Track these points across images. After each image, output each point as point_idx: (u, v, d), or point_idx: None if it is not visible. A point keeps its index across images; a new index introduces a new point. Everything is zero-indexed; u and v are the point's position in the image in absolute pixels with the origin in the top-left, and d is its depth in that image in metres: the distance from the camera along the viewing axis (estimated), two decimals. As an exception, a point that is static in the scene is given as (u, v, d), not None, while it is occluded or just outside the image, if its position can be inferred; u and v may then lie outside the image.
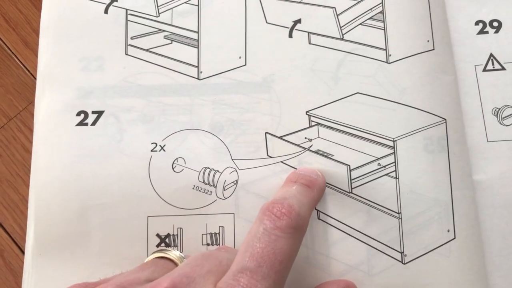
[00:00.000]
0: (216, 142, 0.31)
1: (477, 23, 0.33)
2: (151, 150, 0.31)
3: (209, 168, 0.30)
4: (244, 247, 0.24)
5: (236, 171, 0.30)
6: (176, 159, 0.31)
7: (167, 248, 0.28)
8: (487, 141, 0.31)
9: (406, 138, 0.31)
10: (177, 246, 0.29)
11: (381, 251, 0.29)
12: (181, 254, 0.26)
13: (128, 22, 0.33)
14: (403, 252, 0.29)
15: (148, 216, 0.30)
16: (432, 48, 0.32)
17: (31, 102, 0.34)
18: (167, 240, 0.29)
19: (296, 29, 0.32)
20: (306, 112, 0.31)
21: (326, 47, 0.32)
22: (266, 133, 0.31)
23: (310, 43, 0.32)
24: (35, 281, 0.29)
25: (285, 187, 0.28)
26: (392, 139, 0.30)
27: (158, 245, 0.29)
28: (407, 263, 0.29)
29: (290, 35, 0.32)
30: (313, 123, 0.31)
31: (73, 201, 0.30)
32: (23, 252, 0.30)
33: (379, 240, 0.29)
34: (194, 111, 0.31)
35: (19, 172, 0.32)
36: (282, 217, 0.24)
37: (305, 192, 0.27)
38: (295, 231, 0.24)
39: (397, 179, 0.30)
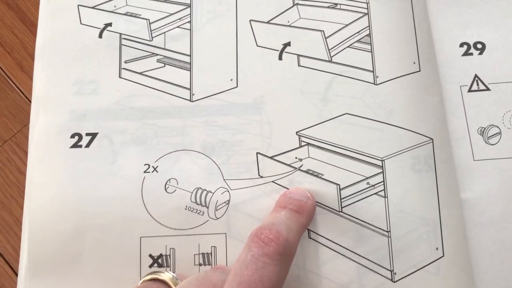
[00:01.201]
0: (208, 163, 0.31)
1: (461, 45, 0.34)
2: (144, 172, 0.31)
3: (201, 188, 0.31)
4: (232, 275, 0.24)
5: (228, 191, 0.31)
6: (169, 180, 0.31)
7: (160, 270, 0.28)
8: (474, 160, 0.32)
9: (394, 157, 0.31)
10: (170, 266, 0.29)
11: (371, 270, 0.29)
12: (174, 275, 0.26)
13: (122, 46, 0.33)
14: (392, 270, 0.29)
15: (141, 237, 0.30)
16: (418, 70, 0.33)
17: (25, 124, 0.34)
18: (159, 260, 0.29)
19: (285, 52, 0.33)
20: (296, 132, 0.31)
21: (315, 69, 0.33)
22: (257, 153, 0.31)
23: (299, 65, 0.33)
24: None
25: (274, 213, 0.28)
26: (380, 159, 0.31)
27: (151, 266, 0.29)
28: (397, 281, 0.29)
29: (280, 58, 0.33)
30: (303, 143, 0.31)
31: (67, 222, 0.30)
32: (16, 274, 0.30)
33: (369, 258, 0.29)
34: (187, 133, 0.32)
35: (13, 194, 0.32)
36: (270, 243, 0.24)
37: (294, 217, 0.27)
38: (283, 258, 0.24)
39: (386, 198, 0.30)
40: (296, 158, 0.31)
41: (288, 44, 0.33)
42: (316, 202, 0.30)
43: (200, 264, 0.29)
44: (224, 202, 0.30)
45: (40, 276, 0.29)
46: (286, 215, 0.27)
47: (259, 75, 0.32)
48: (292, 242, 0.25)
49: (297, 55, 0.33)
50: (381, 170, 0.30)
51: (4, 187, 0.32)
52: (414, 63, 0.33)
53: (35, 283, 0.29)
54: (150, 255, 0.29)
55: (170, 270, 0.28)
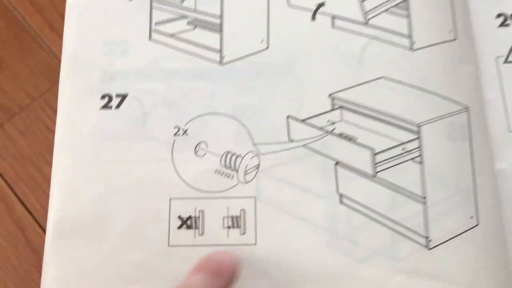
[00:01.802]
0: (238, 126, 0.31)
1: (498, 16, 0.32)
2: (174, 135, 0.30)
3: (230, 152, 0.30)
4: None
5: (258, 155, 0.30)
6: (199, 143, 0.30)
7: None
8: (509, 131, 0.30)
9: (430, 124, 0.30)
10: (199, 228, 0.29)
11: (405, 236, 0.28)
12: None
13: (153, 8, 0.33)
14: (428, 237, 0.28)
15: (170, 199, 0.29)
16: (454, 39, 0.31)
17: (54, 83, 0.34)
18: (188, 222, 0.29)
19: (319, 12, 0.32)
20: (329, 95, 0.30)
21: (350, 32, 0.32)
22: (288, 116, 0.30)
23: (333, 27, 0.32)
24: (55, 261, 0.28)
25: (189, 276, 0.26)
26: (417, 125, 0.30)
27: (179, 227, 0.29)
28: (432, 248, 0.28)
29: (313, 18, 0.32)
30: (336, 106, 0.30)
31: (96, 183, 0.30)
32: (44, 231, 0.30)
33: (403, 224, 0.28)
34: (216, 95, 0.31)
35: (41, 151, 0.32)
36: None
37: (209, 282, 0.25)
38: None
39: (422, 164, 0.29)
40: (328, 121, 0.30)
41: (322, 4, 0.31)
42: (349, 166, 0.29)
43: (228, 227, 0.29)
44: (254, 167, 0.30)
45: (68, 235, 0.29)
46: (201, 280, 0.25)
47: (291, 36, 0.31)
48: None
49: (332, 16, 0.32)
50: (417, 136, 0.29)
51: (32, 144, 0.32)
52: (450, 31, 0.32)
53: (63, 241, 0.29)
54: (179, 217, 0.29)
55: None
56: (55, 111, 0.33)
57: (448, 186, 0.29)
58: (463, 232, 0.28)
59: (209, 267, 0.26)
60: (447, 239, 0.28)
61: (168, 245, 0.28)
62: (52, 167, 0.30)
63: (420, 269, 0.28)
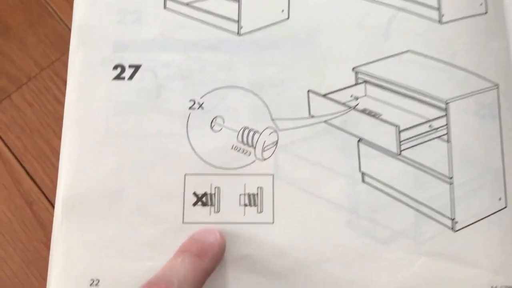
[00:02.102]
0: (256, 101, 0.29)
1: (530, -11, 0.31)
2: (189, 108, 0.29)
3: (248, 128, 0.29)
4: None
5: (276, 131, 0.29)
6: (215, 117, 0.29)
7: None
8: (538, 111, 0.29)
9: (458, 101, 0.28)
10: (214, 205, 0.28)
11: (430, 217, 0.27)
12: None
13: (167, -25, 0.31)
14: (454, 219, 0.27)
15: (185, 174, 0.28)
16: (485, 12, 0.30)
17: (64, 53, 0.33)
18: (204, 199, 0.28)
19: (344, -19, 0.30)
20: (353, 68, 0.29)
21: (376, 2, 0.30)
22: (308, 91, 0.29)
23: (358, -3, 0.30)
24: (64, 237, 0.28)
25: (171, 260, 0.25)
26: (444, 101, 0.28)
27: (194, 204, 0.28)
28: (457, 230, 0.27)
29: (338, -13, 0.30)
30: (360, 81, 0.29)
31: (108, 156, 0.29)
32: (53, 206, 0.29)
33: (428, 205, 0.27)
34: (234, 68, 0.30)
35: (50, 123, 0.31)
36: None
37: (192, 265, 0.24)
38: None
39: (449, 143, 0.28)
40: (351, 96, 0.29)
41: (348, -28, 0.30)
42: (373, 143, 0.28)
43: (245, 205, 0.28)
44: (272, 143, 0.29)
45: (78, 211, 0.28)
46: (184, 263, 0.24)
47: (313, 6, 0.30)
48: None
49: (357, -16, 0.30)
50: (445, 113, 0.28)
51: (40, 115, 0.31)
52: (481, 4, 0.30)
53: (73, 217, 0.28)
54: (194, 193, 0.28)
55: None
56: (64, 81, 0.32)
57: (476, 166, 0.28)
58: (490, 215, 0.27)
59: (192, 248, 0.25)
60: (474, 221, 0.27)
61: (183, 222, 0.27)
62: (62, 140, 0.29)
63: (445, 252, 0.27)
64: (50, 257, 0.28)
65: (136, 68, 0.30)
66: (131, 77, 0.29)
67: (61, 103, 0.31)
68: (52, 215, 0.29)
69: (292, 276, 0.27)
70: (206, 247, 0.26)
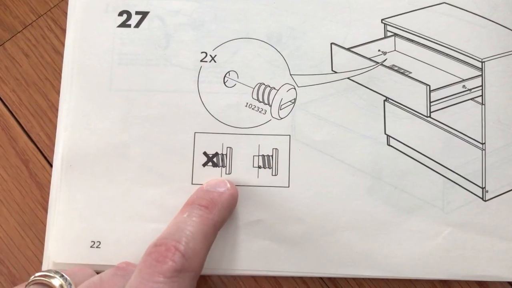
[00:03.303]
0: (273, 54, 0.28)
1: None
2: (201, 60, 0.28)
3: (264, 84, 0.28)
4: None
5: (295, 88, 0.27)
6: (228, 72, 0.28)
7: (51, 273, 0.22)
8: None
9: (495, 60, 0.27)
10: (226, 166, 0.27)
11: (459, 185, 0.26)
12: (66, 281, 0.22)
13: None
14: (484, 187, 0.26)
15: (195, 132, 0.27)
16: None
17: (64, -3, 0.31)
18: (215, 159, 0.27)
19: None
20: (382, 20, 0.27)
21: None
22: (331, 43, 0.27)
23: None
24: (63, 196, 0.27)
25: (177, 216, 0.24)
26: (480, 60, 0.27)
27: (205, 164, 0.27)
28: (488, 200, 0.26)
29: None
30: (389, 34, 0.27)
31: (112, 110, 0.27)
32: (50, 165, 0.28)
33: (458, 172, 0.26)
34: (250, 18, 0.28)
35: (48, 76, 0.30)
36: (164, 261, 0.21)
37: (200, 218, 0.23)
38: (180, 275, 0.21)
39: (484, 105, 0.27)
40: (379, 51, 0.27)
41: None
42: (401, 103, 0.26)
43: (259, 167, 0.27)
44: (290, 101, 0.27)
45: (78, 167, 0.27)
46: (190, 218, 0.23)
47: (341, -50, 0.28)
48: (192, 254, 0.22)
49: None
50: (480, 73, 0.26)
51: (38, 67, 0.29)
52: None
53: (72, 174, 0.27)
54: (205, 153, 0.27)
55: (63, 276, 0.22)
56: (64, 30, 0.30)
57: (511, 132, 0.26)
58: (524, 184, 0.26)
59: (200, 200, 0.24)
60: (506, 190, 0.26)
61: (192, 183, 0.26)
62: (60, 94, 0.28)
63: (474, 222, 0.26)
64: (48, 218, 0.27)
65: (144, 15, 0.28)
66: (137, 25, 0.28)
67: (60, 54, 0.29)
68: (49, 174, 0.28)
69: (307, 243, 0.26)
70: (215, 198, 0.25)
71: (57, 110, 0.29)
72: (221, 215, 0.24)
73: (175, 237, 0.22)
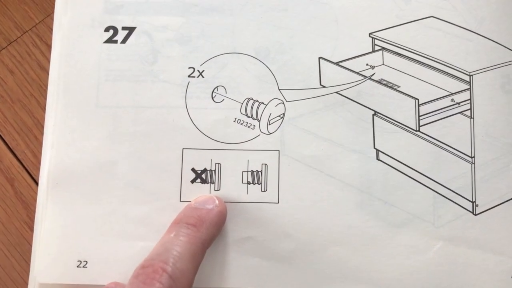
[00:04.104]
0: (261, 69, 0.28)
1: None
2: (188, 76, 0.28)
3: (252, 99, 0.28)
4: None
5: (283, 103, 0.28)
6: (216, 87, 0.28)
7: None
8: None
9: (483, 73, 0.27)
10: (215, 183, 0.27)
11: (449, 200, 0.26)
12: None
13: None
14: (474, 201, 0.26)
15: (183, 148, 0.27)
16: (513, -24, 0.28)
17: (49, 14, 0.31)
18: (203, 175, 0.27)
19: None
20: (369, 34, 0.28)
21: (396, -38, 0.28)
22: (320, 58, 0.28)
23: (377, -44, 0.29)
24: (49, 215, 0.27)
25: (164, 235, 0.24)
26: (468, 73, 0.27)
27: (193, 181, 0.27)
28: (478, 214, 0.26)
29: None
30: (377, 48, 0.28)
31: (99, 127, 0.27)
32: (36, 183, 0.28)
33: (448, 186, 0.26)
34: (237, 33, 0.28)
35: (33, 93, 0.30)
36: (152, 283, 0.21)
37: (187, 238, 0.23)
38: None
39: (472, 119, 0.27)
40: (367, 65, 0.27)
41: None
42: (389, 117, 0.26)
43: (248, 183, 0.27)
44: (278, 116, 0.27)
45: (64, 187, 0.27)
46: (178, 236, 0.23)
47: (328, -36, 0.28)
48: (180, 275, 0.22)
49: None
50: (468, 87, 0.27)
51: (23, 84, 0.29)
52: (510, -32, 0.28)
53: (58, 193, 0.27)
54: (193, 169, 0.27)
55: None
56: (49, 46, 0.30)
57: (500, 145, 0.27)
58: (514, 197, 0.26)
59: (187, 218, 0.24)
60: (496, 204, 0.27)
61: (180, 200, 0.26)
62: (46, 110, 0.28)
63: (465, 236, 0.26)
64: (34, 237, 0.27)
65: (130, 30, 0.28)
66: (124, 41, 0.28)
67: (45, 70, 0.29)
68: (35, 193, 0.28)
69: (297, 260, 0.26)
70: (203, 215, 0.25)
71: (42, 127, 0.29)
72: (209, 233, 0.24)
73: (162, 258, 0.22)
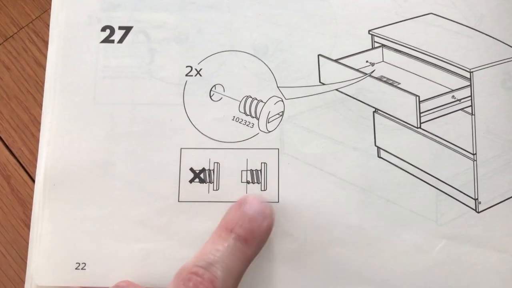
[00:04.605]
0: (260, 66, 0.28)
1: None
2: (186, 75, 0.28)
3: (251, 97, 0.28)
4: None
5: (282, 100, 0.27)
6: (214, 85, 0.28)
7: None
8: None
9: (484, 70, 0.27)
10: (213, 182, 0.27)
11: (452, 197, 0.26)
12: None
13: None
14: (477, 199, 0.26)
15: (181, 148, 0.27)
16: (514, -28, 0.28)
17: (46, 10, 0.31)
18: (202, 175, 0.27)
19: None
20: (369, 31, 0.28)
21: (395, -42, 0.28)
22: (319, 55, 0.28)
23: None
24: (46, 215, 0.26)
25: (215, 242, 0.23)
26: (468, 70, 0.27)
27: (191, 181, 0.27)
28: (481, 211, 0.26)
29: None
30: (376, 45, 0.28)
31: (96, 127, 0.27)
32: (33, 180, 0.28)
33: (450, 184, 0.26)
34: (235, 30, 0.28)
35: (30, 89, 0.29)
36: None
37: (238, 252, 0.23)
38: None
39: (473, 116, 0.27)
40: (367, 62, 0.27)
41: None
42: (390, 114, 0.26)
43: (248, 182, 0.26)
44: (278, 114, 0.27)
45: (61, 186, 0.27)
46: (229, 249, 0.23)
47: (326, -39, 0.28)
48: None
49: None
50: (469, 83, 0.27)
51: (19, 80, 0.29)
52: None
53: (56, 193, 0.26)
54: (191, 169, 0.27)
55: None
56: (46, 42, 0.30)
57: (502, 141, 0.27)
58: (517, 194, 0.26)
59: (240, 229, 0.23)
60: (499, 201, 0.26)
61: (178, 200, 0.26)
62: (43, 107, 0.27)
63: (468, 234, 0.26)
64: (31, 237, 0.27)
65: (127, 30, 0.28)
66: (121, 41, 0.28)
67: (42, 66, 0.29)
68: (32, 190, 0.28)
69: (298, 260, 0.26)
70: (255, 230, 0.23)
71: (39, 124, 0.29)
72: (257, 250, 0.24)
73: (212, 268, 0.21)
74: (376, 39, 0.27)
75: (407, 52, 0.27)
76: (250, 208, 0.24)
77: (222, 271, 0.22)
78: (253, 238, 0.23)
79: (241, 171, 0.27)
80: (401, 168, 0.26)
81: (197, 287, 0.21)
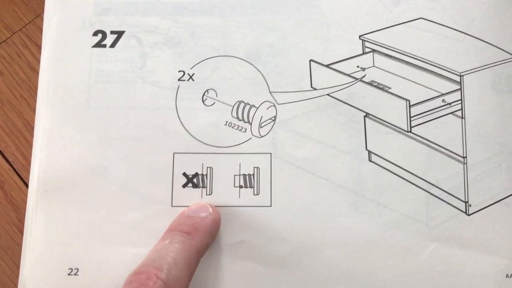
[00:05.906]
0: (252, 71, 0.28)
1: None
2: (179, 79, 0.28)
3: (243, 102, 0.28)
4: None
5: (275, 105, 0.28)
6: (207, 90, 0.28)
7: None
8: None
9: (474, 73, 0.28)
10: (206, 187, 0.27)
11: (442, 200, 0.27)
12: None
13: None
14: (467, 201, 0.27)
15: (174, 153, 0.27)
16: (503, -24, 0.29)
17: (39, 14, 0.31)
18: (195, 180, 0.27)
19: None
20: (360, 36, 0.28)
21: (385, -37, 0.29)
22: (310, 60, 0.28)
23: (366, -43, 0.29)
24: (40, 220, 0.26)
25: (159, 242, 0.24)
26: (458, 74, 0.27)
27: (184, 186, 0.27)
28: (471, 214, 0.27)
29: None
30: (367, 50, 0.28)
31: (88, 131, 0.27)
32: (26, 185, 0.28)
33: (440, 187, 0.27)
34: (228, 35, 0.28)
35: (23, 94, 0.30)
36: None
37: (182, 244, 0.23)
38: None
39: (463, 119, 0.27)
40: (358, 67, 0.28)
41: None
42: (381, 119, 0.27)
43: (240, 186, 0.27)
44: (270, 118, 0.28)
45: (55, 191, 0.27)
46: (173, 244, 0.23)
47: (317, -34, 0.29)
48: (174, 282, 0.22)
49: None
50: (459, 87, 0.27)
51: (12, 85, 0.29)
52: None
53: (49, 198, 0.27)
54: (184, 174, 0.27)
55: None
56: (39, 47, 0.30)
57: (492, 144, 0.27)
58: (507, 197, 0.27)
59: (182, 226, 0.24)
60: (489, 204, 0.27)
61: (172, 205, 0.26)
62: (36, 112, 0.28)
63: (458, 237, 0.26)
64: (24, 242, 0.27)
65: (119, 34, 0.28)
66: (113, 45, 0.28)
67: (35, 71, 0.29)
68: (25, 195, 0.28)
69: (291, 263, 0.26)
70: (197, 223, 0.25)
71: (33, 129, 0.29)
72: (204, 241, 0.24)
73: (156, 264, 0.22)
74: (367, 44, 0.28)
75: (397, 57, 0.28)
76: (189, 209, 0.26)
77: (167, 265, 0.22)
78: (196, 230, 0.24)
79: (234, 175, 0.27)
80: (392, 172, 0.27)
81: (142, 283, 0.21)
